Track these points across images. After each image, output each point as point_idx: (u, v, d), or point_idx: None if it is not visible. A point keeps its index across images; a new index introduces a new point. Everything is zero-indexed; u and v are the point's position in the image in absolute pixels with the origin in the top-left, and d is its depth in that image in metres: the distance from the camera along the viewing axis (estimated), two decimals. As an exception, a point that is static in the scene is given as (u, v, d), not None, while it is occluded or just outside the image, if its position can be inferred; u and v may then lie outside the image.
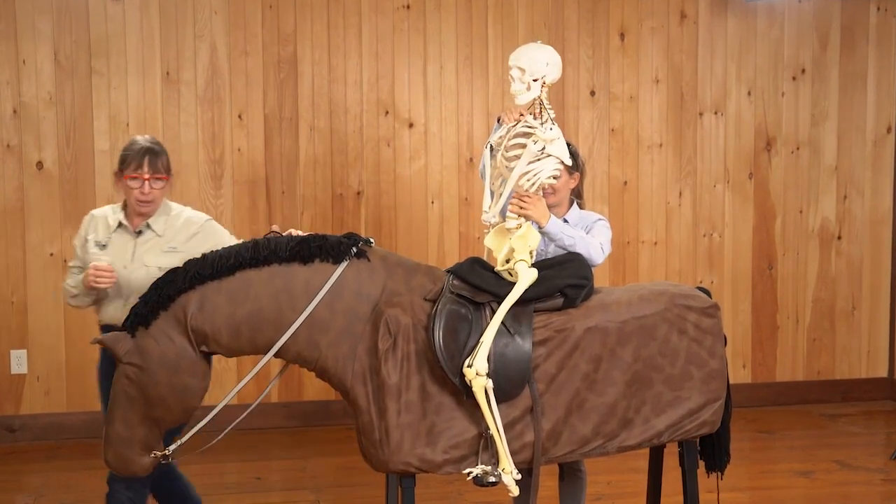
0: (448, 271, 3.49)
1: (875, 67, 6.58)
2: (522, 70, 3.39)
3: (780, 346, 6.66)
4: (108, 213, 3.83)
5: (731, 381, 3.69)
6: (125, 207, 3.79)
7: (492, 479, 3.32)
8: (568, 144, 3.54)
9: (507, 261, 3.43)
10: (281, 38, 6.00)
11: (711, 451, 3.67)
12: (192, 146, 5.95)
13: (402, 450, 3.29)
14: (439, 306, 3.33)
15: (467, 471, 3.34)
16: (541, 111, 3.41)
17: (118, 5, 5.82)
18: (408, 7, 6.10)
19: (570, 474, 3.97)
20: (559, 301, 3.45)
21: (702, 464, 3.68)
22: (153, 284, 3.38)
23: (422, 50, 6.13)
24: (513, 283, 3.39)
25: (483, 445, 3.33)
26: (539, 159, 3.41)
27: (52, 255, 5.83)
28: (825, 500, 4.93)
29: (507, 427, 3.33)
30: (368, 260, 3.44)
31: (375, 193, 6.14)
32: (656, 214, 6.44)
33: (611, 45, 6.31)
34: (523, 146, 3.39)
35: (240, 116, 5.99)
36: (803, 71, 6.53)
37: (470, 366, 3.25)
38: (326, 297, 3.33)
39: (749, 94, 6.48)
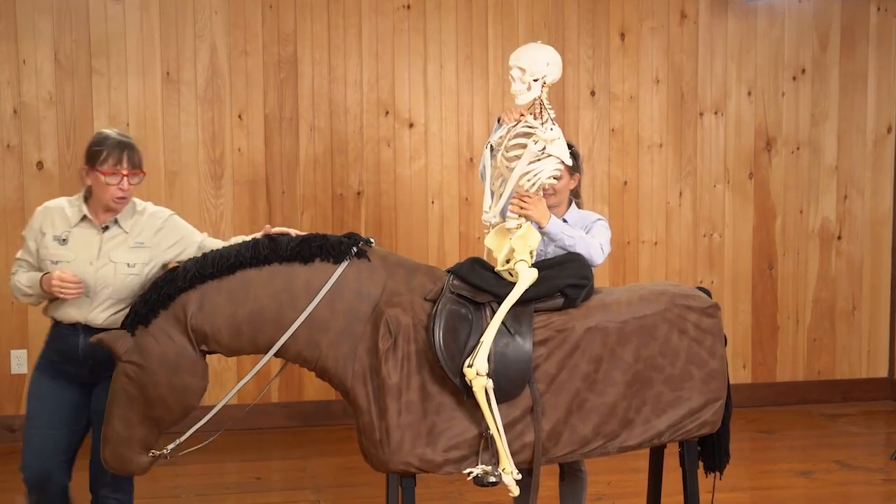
0: (448, 271, 3.49)
1: (875, 67, 6.58)
2: (523, 70, 3.40)
3: (780, 346, 6.65)
4: (65, 206, 3.64)
5: (732, 381, 3.69)
6: (86, 201, 3.62)
7: (492, 479, 3.32)
8: (570, 146, 3.55)
9: (508, 261, 3.43)
10: (281, 38, 6.00)
11: (712, 451, 3.67)
12: (192, 146, 5.95)
13: (403, 450, 3.29)
14: (439, 306, 3.33)
15: (468, 471, 3.34)
16: (541, 111, 3.42)
17: (118, 5, 5.82)
18: (408, 7, 6.10)
19: (570, 474, 3.97)
20: (559, 301, 3.45)
21: (702, 464, 3.69)
22: (154, 283, 3.38)
23: (422, 50, 6.13)
24: (513, 284, 3.39)
25: (483, 445, 3.33)
26: (539, 159, 3.41)
27: (52, 255, 5.83)
28: (825, 500, 4.93)
29: (508, 427, 3.34)
30: (369, 260, 3.44)
31: (375, 193, 6.14)
32: (656, 214, 6.43)
33: (611, 45, 6.31)
34: (524, 146, 3.40)
35: (240, 116, 5.99)
36: (803, 71, 6.53)
37: (470, 366, 3.25)
38: (327, 296, 3.33)
39: (749, 94, 6.48)
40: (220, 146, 5.98)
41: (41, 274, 3.52)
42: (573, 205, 3.93)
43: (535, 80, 3.40)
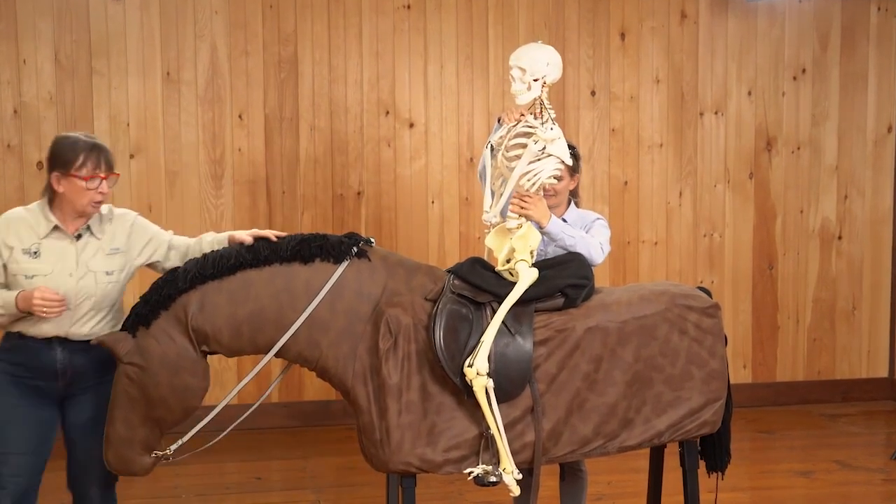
0: (449, 271, 3.50)
1: (875, 67, 6.58)
2: (523, 70, 3.40)
3: (780, 346, 6.65)
4: (27, 217, 3.43)
5: (732, 381, 3.70)
6: (51, 209, 3.42)
7: (492, 478, 3.32)
8: (570, 146, 3.55)
9: (508, 261, 3.43)
10: (281, 38, 6.00)
11: (712, 451, 3.68)
12: (193, 146, 5.95)
13: (403, 449, 3.29)
14: (440, 306, 3.33)
15: (468, 471, 3.34)
16: (541, 111, 3.42)
17: (118, 5, 5.82)
18: (408, 7, 6.10)
19: (570, 474, 3.97)
20: (560, 301, 3.45)
21: (702, 464, 3.69)
22: (154, 284, 3.38)
23: (422, 50, 6.13)
24: (513, 283, 3.39)
25: (484, 445, 3.33)
26: (539, 159, 3.41)
27: (52, 254, 5.83)
28: (825, 500, 4.93)
29: (508, 427, 3.34)
30: (369, 260, 3.44)
31: (376, 193, 6.14)
32: (657, 214, 6.43)
33: (611, 45, 6.31)
34: (524, 146, 3.40)
35: (240, 116, 5.99)
36: (804, 71, 6.52)
37: (471, 366, 3.25)
38: (327, 296, 3.33)
39: (749, 94, 6.48)
40: (221, 146, 5.98)
41: (14, 293, 3.32)
42: (572, 204, 3.93)
43: (536, 80, 3.40)
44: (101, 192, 3.40)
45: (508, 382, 3.31)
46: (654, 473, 3.88)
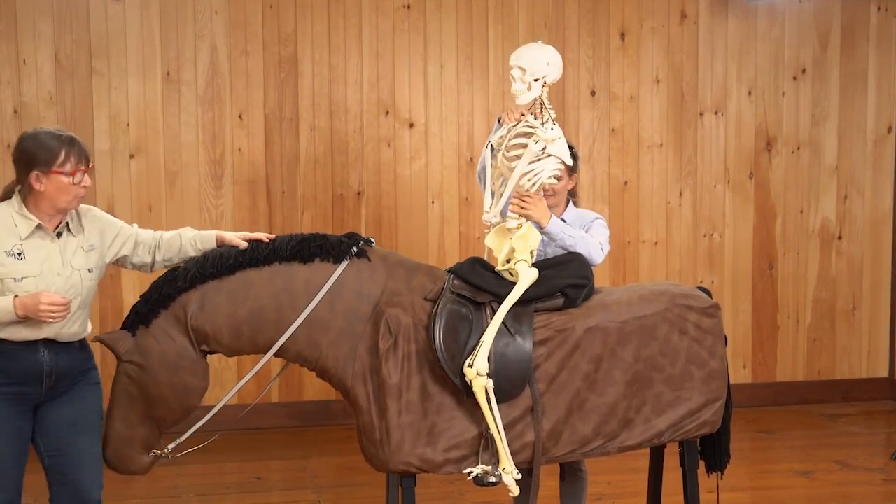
0: (448, 271, 3.50)
1: (875, 67, 6.58)
2: (523, 70, 3.40)
3: (780, 346, 6.65)
4: (4, 217, 3.26)
5: (732, 381, 3.70)
6: (27, 208, 3.27)
7: (492, 478, 3.32)
8: (570, 147, 3.55)
9: (508, 261, 3.43)
10: (281, 37, 6.00)
11: (712, 450, 3.67)
12: (193, 146, 5.95)
13: (403, 449, 3.29)
14: (440, 306, 3.34)
15: (468, 471, 3.34)
16: (541, 111, 3.42)
17: (118, 5, 5.82)
18: (408, 7, 6.10)
19: (570, 474, 3.97)
20: (560, 301, 3.45)
21: (702, 464, 3.69)
22: (154, 283, 3.38)
23: (422, 50, 6.13)
24: (513, 283, 3.39)
25: (483, 445, 3.34)
26: (540, 159, 3.41)
27: (52, 254, 5.83)
28: (825, 500, 4.93)
29: (508, 427, 3.34)
30: (369, 260, 3.44)
31: (376, 193, 6.14)
32: (657, 214, 6.43)
33: (611, 45, 6.31)
34: (524, 146, 3.40)
35: (240, 116, 5.99)
36: (804, 71, 6.52)
37: (470, 366, 3.25)
38: (327, 296, 3.33)
39: (749, 93, 6.48)
40: (221, 146, 5.98)
41: (9, 300, 3.17)
42: (570, 204, 3.93)
43: (536, 80, 3.40)
44: (84, 187, 3.28)
45: (508, 382, 3.31)
46: (654, 473, 3.88)
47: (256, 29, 5.97)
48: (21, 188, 3.29)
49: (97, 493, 3.42)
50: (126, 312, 3.44)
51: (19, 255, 3.22)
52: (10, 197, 3.33)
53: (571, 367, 3.39)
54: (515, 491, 3.36)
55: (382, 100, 6.12)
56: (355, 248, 3.42)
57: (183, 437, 3.42)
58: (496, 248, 3.47)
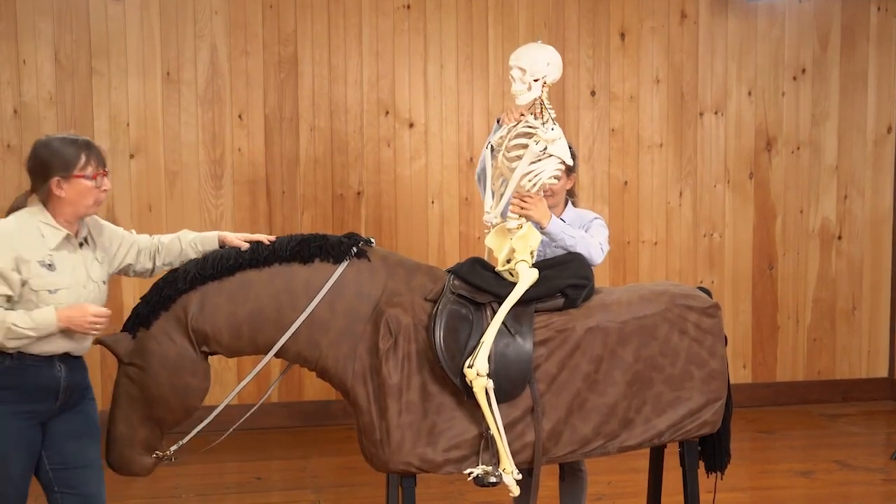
0: (449, 271, 3.50)
1: (875, 67, 6.58)
2: (523, 70, 3.40)
3: (780, 346, 6.65)
4: (29, 227, 3.18)
5: (732, 381, 3.70)
6: (51, 216, 3.21)
7: (492, 479, 3.32)
8: (568, 146, 3.55)
9: (508, 261, 3.43)
10: (281, 37, 6.00)
11: (712, 450, 3.67)
12: (193, 146, 5.95)
13: (403, 450, 3.29)
14: (440, 306, 3.33)
15: (468, 471, 3.34)
16: (541, 111, 3.42)
17: (118, 5, 5.82)
18: (408, 7, 6.10)
19: (570, 474, 3.97)
20: (560, 301, 3.45)
21: (702, 464, 3.69)
22: (155, 285, 3.38)
23: (422, 50, 6.13)
24: (513, 284, 3.39)
25: (484, 445, 3.33)
26: (540, 159, 3.41)
27: (52, 255, 5.83)
28: (825, 500, 4.93)
29: (508, 427, 3.34)
30: (369, 260, 3.44)
31: (376, 193, 6.14)
32: (656, 214, 6.44)
33: (611, 45, 6.31)
34: (525, 146, 3.40)
35: (240, 116, 5.99)
36: (804, 71, 6.53)
37: (471, 366, 3.25)
38: (327, 296, 3.33)
39: (749, 94, 6.48)
40: (221, 146, 5.98)
41: (51, 312, 3.09)
42: (569, 204, 3.94)
43: (536, 80, 3.40)
44: (104, 191, 3.24)
45: (508, 383, 3.31)
46: (654, 473, 3.88)
47: (256, 29, 5.97)
48: (39, 197, 3.24)
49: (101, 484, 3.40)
50: (126, 315, 3.43)
51: (50, 265, 3.15)
52: (19, 209, 3.28)
53: (572, 368, 3.39)
54: (516, 491, 3.36)
55: (382, 100, 6.12)
56: (355, 249, 3.42)
57: (185, 439, 3.42)
58: (496, 248, 3.47)
